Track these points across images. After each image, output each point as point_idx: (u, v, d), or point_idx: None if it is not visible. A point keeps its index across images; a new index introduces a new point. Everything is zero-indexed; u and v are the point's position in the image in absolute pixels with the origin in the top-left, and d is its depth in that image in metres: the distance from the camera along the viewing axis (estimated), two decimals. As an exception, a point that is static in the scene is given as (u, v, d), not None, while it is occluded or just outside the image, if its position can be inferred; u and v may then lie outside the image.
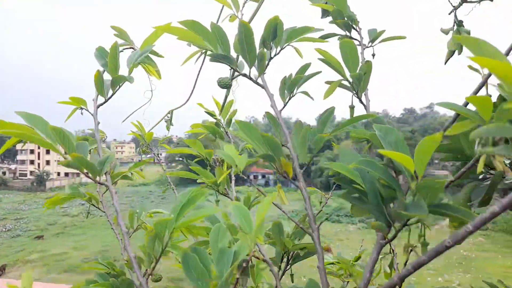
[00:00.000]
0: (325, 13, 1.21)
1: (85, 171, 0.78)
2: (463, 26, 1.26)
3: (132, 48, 1.14)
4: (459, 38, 0.76)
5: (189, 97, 1.54)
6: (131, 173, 1.54)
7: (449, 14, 1.27)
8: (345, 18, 0.97)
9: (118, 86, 0.94)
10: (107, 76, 0.97)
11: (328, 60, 0.81)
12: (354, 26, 1.00)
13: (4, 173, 68.41)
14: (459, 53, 1.29)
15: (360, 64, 0.81)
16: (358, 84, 0.82)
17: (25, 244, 29.45)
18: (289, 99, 0.91)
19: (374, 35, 0.98)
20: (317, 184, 53.33)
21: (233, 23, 1.36)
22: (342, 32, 1.02)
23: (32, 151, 68.97)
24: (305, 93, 0.91)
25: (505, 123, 0.48)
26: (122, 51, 1.09)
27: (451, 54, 1.28)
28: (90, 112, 0.96)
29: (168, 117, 1.58)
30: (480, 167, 0.57)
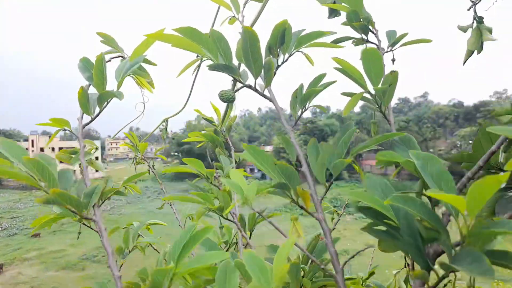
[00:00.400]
0: (332, 13, 1.10)
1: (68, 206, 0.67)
2: (484, 23, 1.15)
3: (121, 56, 1.02)
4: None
5: (185, 105, 1.43)
6: (125, 188, 1.43)
7: (468, 9, 1.16)
8: (361, 20, 0.86)
9: (106, 102, 0.82)
10: (93, 90, 0.86)
11: (347, 70, 0.70)
12: (371, 28, 0.89)
13: (-2, 172, 67.61)
14: (479, 53, 1.18)
15: (384, 74, 0.70)
16: (382, 97, 0.72)
17: (22, 243, 29.26)
18: (301, 114, 0.80)
19: (394, 39, 0.87)
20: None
21: (230, 25, 1.24)
22: (356, 35, 0.91)
23: (27, 149, 68.36)
24: (319, 106, 0.80)
25: None
26: (109, 60, 0.97)
27: (470, 54, 1.17)
28: (74, 134, 0.85)
29: (163, 125, 1.47)
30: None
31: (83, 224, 1.32)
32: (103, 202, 1.39)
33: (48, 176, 0.65)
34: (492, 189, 0.43)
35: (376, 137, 0.69)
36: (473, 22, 1.17)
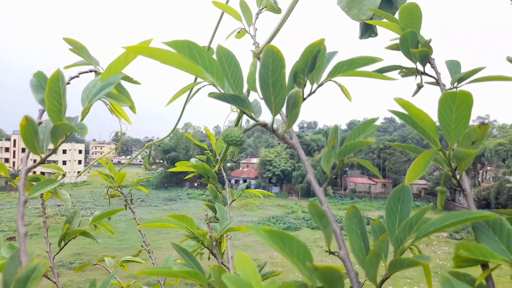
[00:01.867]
0: (366, 32, 0.88)
1: None
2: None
3: (94, 71, 0.78)
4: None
5: (173, 129, 1.19)
6: (95, 226, 1.18)
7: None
8: (422, 45, 0.65)
9: (63, 137, 0.59)
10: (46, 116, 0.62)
11: (414, 119, 0.48)
12: (429, 56, 0.67)
13: (-24, 170, 65.76)
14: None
15: (468, 128, 0.48)
16: (463, 159, 0.49)
17: (-4, 246, 28.20)
18: (337, 171, 0.58)
19: (462, 74, 0.65)
20: (298, 190, 53.48)
21: (229, 36, 1.02)
22: (408, 63, 0.70)
23: (7, 149, 66.78)
24: (365, 163, 0.58)
25: None
26: (77, 76, 0.74)
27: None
28: (14, 184, 0.60)
29: (146, 152, 1.23)
30: None
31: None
32: (66, 244, 1.14)
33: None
34: None
35: (456, 217, 0.46)
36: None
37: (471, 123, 0.47)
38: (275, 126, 0.61)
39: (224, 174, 1.32)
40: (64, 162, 62.51)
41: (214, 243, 0.81)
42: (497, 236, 0.48)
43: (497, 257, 0.44)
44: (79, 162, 67.33)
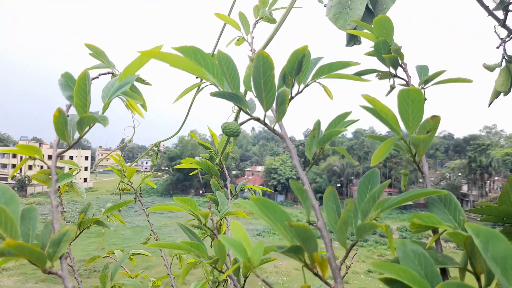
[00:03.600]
0: (351, 40, 0.99)
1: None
2: (514, 62, 1.05)
3: (111, 73, 0.90)
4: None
5: (180, 128, 1.30)
6: (107, 216, 1.28)
7: (497, 48, 1.06)
8: (391, 51, 0.75)
9: (87, 127, 0.70)
10: (73, 110, 0.73)
11: (378, 111, 0.58)
12: (400, 61, 0.78)
13: (-17, 176, 66.43)
14: (506, 95, 1.08)
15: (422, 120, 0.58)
16: (420, 145, 0.60)
17: (1, 252, 28.36)
18: (317, 157, 0.68)
19: (428, 76, 0.76)
20: (303, 199, 53.19)
21: (230, 44, 1.13)
22: (381, 66, 0.80)
23: (14, 155, 67.36)
24: (340, 149, 0.68)
25: None
26: (97, 77, 0.85)
27: (497, 95, 1.07)
28: (46, 164, 0.71)
29: (154, 150, 1.34)
30: None
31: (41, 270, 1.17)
32: (81, 233, 1.25)
33: (5, 220, 0.51)
34: None
35: (411, 193, 0.56)
36: (501, 61, 1.08)
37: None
38: (266, 120, 0.72)
39: (226, 171, 1.43)
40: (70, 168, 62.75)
41: (215, 225, 0.91)
42: (446, 209, 0.59)
43: (443, 224, 0.54)
44: (85, 168, 67.69)
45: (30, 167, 66.68)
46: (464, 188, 55.60)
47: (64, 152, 0.70)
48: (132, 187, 1.43)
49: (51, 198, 0.64)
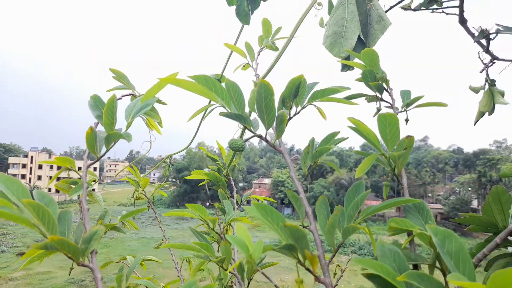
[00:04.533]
0: (345, 67, 1.10)
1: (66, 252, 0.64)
2: (496, 86, 1.15)
3: (132, 94, 1.02)
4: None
5: (191, 142, 1.42)
6: (122, 223, 1.39)
7: (481, 72, 1.16)
8: (377, 79, 0.86)
9: (113, 143, 0.81)
10: (100, 127, 0.84)
11: (362, 132, 0.69)
12: (385, 86, 0.89)
13: (-7, 186, 67.00)
14: (490, 114, 1.18)
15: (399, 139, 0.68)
16: (397, 160, 0.70)
17: (9, 261, 28.54)
18: (312, 170, 0.79)
19: (409, 100, 0.87)
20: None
21: (235, 67, 1.25)
22: (370, 91, 0.91)
23: (24, 165, 68.19)
24: (331, 164, 0.79)
25: None
26: (120, 98, 0.97)
27: (481, 115, 1.17)
28: (78, 173, 0.83)
29: (166, 162, 1.45)
30: None
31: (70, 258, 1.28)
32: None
33: (48, 220, 0.62)
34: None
35: (390, 201, 0.67)
36: (485, 84, 1.18)
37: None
38: (268, 137, 0.83)
39: (232, 182, 1.54)
40: (79, 179, 63.16)
41: (222, 230, 1.01)
42: (419, 215, 0.68)
43: (415, 227, 0.64)
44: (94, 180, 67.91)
45: (39, 177, 67.24)
46: (474, 203, 54.90)
47: (93, 163, 0.81)
48: (146, 196, 1.54)
49: (82, 203, 0.75)
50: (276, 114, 0.77)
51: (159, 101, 1.00)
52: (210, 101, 0.89)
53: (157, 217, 1.53)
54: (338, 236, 0.75)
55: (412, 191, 53.28)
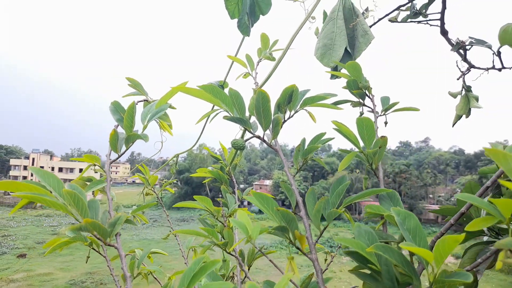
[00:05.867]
0: (334, 76, 1.24)
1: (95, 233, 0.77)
2: (471, 92, 1.29)
3: (146, 100, 1.15)
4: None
5: (196, 142, 1.55)
6: (133, 217, 1.52)
7: (458, 79, 1.30)
8: (360, 87, 0.99)
9: (131, 143, 0.94)
10: (119, 129, 0.98)
11: (343, 133, 0.82)
12: (368, 93, 1.02)
13: (-5, 188, 67.27)
14: (467, 117, 1.31)
15: (376, 138, 0.82)
16: (373, 157, 0.83)
17: (10, 262, 28.69)
18: (303, 165, 0.92)
19: (388, 105, 1.00)
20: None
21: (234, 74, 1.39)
22: (355, 98, 1.04)
23: (25, 167, 68.37)
24: (319, 160, 0.92)
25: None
26: (136, 103, 1.10)
27: (458, 118, 1.30)
28: (103, 169, 0.96)
29: (173, 161, 1.59)
30: (498, 265, 0.56)
31: (92, 248, 1.41)
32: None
33: (81, 207, 0.75)
34: (452, 245, 0.54)
35: (367, 190, 0.80)
36: (462, 90, 1.31)
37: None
38: (265, 138, 0.96)
39: (234, 180, 1.67)
40: (81, 181, 63.33)
41: (225, 219, 1.15)
42: (392, 202, 0.82)
43: (386, 212, 0.77)
44: (95, 181, 68.02)
45: (41, 179, 67.18)
46: (475, 204, 54.66)
47: (116, 160, 0.95)
48: (154, 191, 1.68)
49: (107, 193, 0.88)
50: (272, 118, 0.91)
51: (171, 107, 1.13)
52: (213, 106, 1.02)
53: (165, 210, 1.66)
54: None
55: (413, 193, 53.15)
